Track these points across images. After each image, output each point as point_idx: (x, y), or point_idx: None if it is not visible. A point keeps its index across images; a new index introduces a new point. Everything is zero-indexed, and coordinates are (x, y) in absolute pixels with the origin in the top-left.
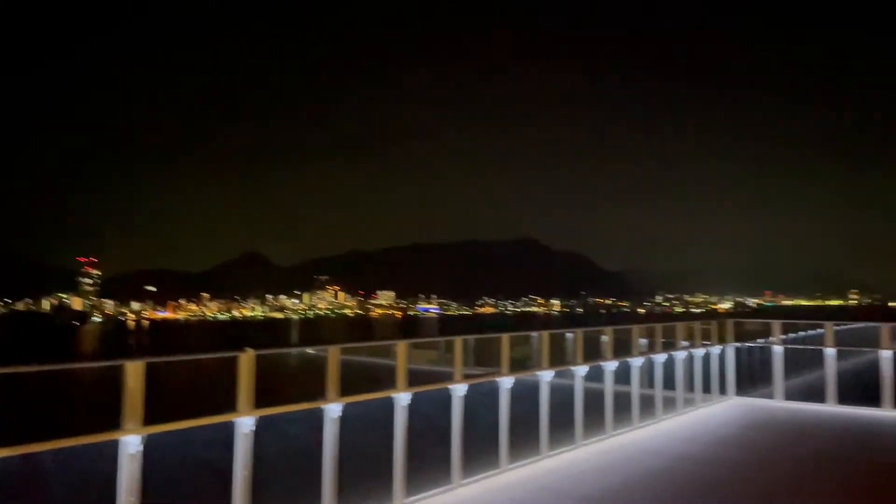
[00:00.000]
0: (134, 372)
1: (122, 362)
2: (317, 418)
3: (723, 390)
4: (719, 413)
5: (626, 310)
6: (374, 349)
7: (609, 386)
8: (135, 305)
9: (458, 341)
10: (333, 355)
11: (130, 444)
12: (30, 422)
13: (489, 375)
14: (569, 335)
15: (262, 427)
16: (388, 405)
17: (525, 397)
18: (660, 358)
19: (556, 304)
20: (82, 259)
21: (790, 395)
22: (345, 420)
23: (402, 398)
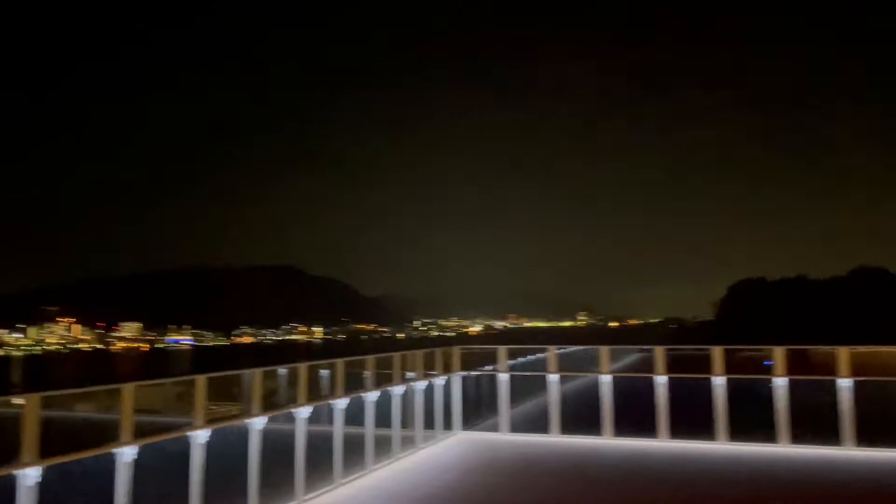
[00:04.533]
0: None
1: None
2: None
3: (448, 425)
4: (442, 454)
5: (386, 335)
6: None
7: (301, 438)
8: None
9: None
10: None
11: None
12: None
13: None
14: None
15: None
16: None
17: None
18: (371, 396)
19: (318, 331)
20: None
21: (516, 427)
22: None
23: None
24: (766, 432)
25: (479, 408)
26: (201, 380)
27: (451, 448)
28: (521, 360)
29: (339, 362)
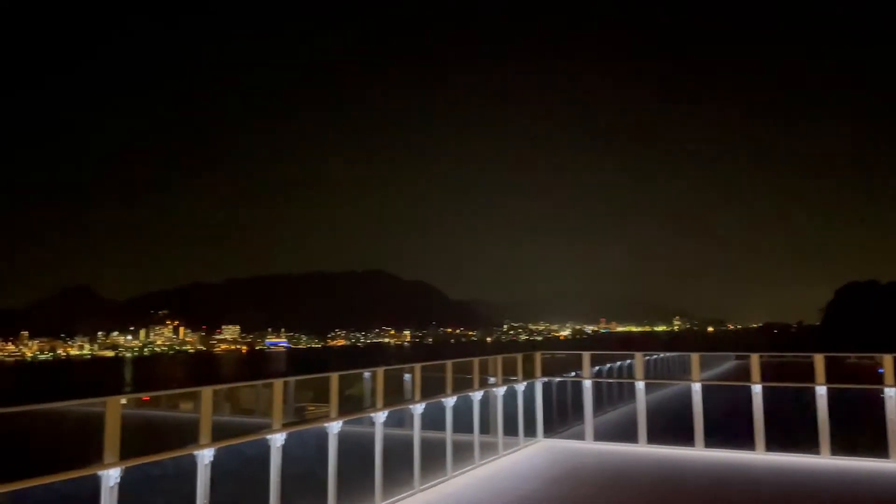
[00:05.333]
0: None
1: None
2: None
3: (530, 432)
4: (524, 462)
5: (474, 339)
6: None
7: (379, 443)
8: None
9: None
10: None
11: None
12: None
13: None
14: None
15: None
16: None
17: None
18: (449, 401)
19: (407, 334)
20: None
21: (601, 435)
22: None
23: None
24: (874, 446)
25: (563, 415)
26: (278, 383)
27: (533, 456)
28: (609, 365)
29: (417, 366)
